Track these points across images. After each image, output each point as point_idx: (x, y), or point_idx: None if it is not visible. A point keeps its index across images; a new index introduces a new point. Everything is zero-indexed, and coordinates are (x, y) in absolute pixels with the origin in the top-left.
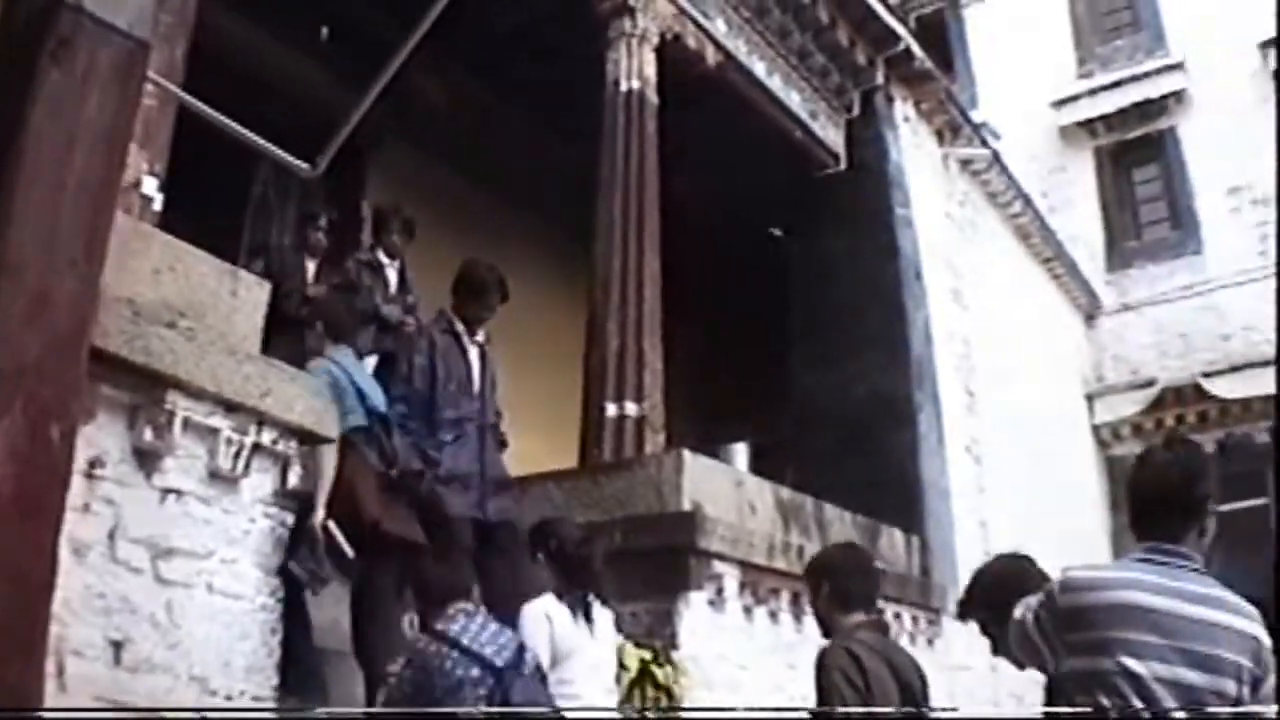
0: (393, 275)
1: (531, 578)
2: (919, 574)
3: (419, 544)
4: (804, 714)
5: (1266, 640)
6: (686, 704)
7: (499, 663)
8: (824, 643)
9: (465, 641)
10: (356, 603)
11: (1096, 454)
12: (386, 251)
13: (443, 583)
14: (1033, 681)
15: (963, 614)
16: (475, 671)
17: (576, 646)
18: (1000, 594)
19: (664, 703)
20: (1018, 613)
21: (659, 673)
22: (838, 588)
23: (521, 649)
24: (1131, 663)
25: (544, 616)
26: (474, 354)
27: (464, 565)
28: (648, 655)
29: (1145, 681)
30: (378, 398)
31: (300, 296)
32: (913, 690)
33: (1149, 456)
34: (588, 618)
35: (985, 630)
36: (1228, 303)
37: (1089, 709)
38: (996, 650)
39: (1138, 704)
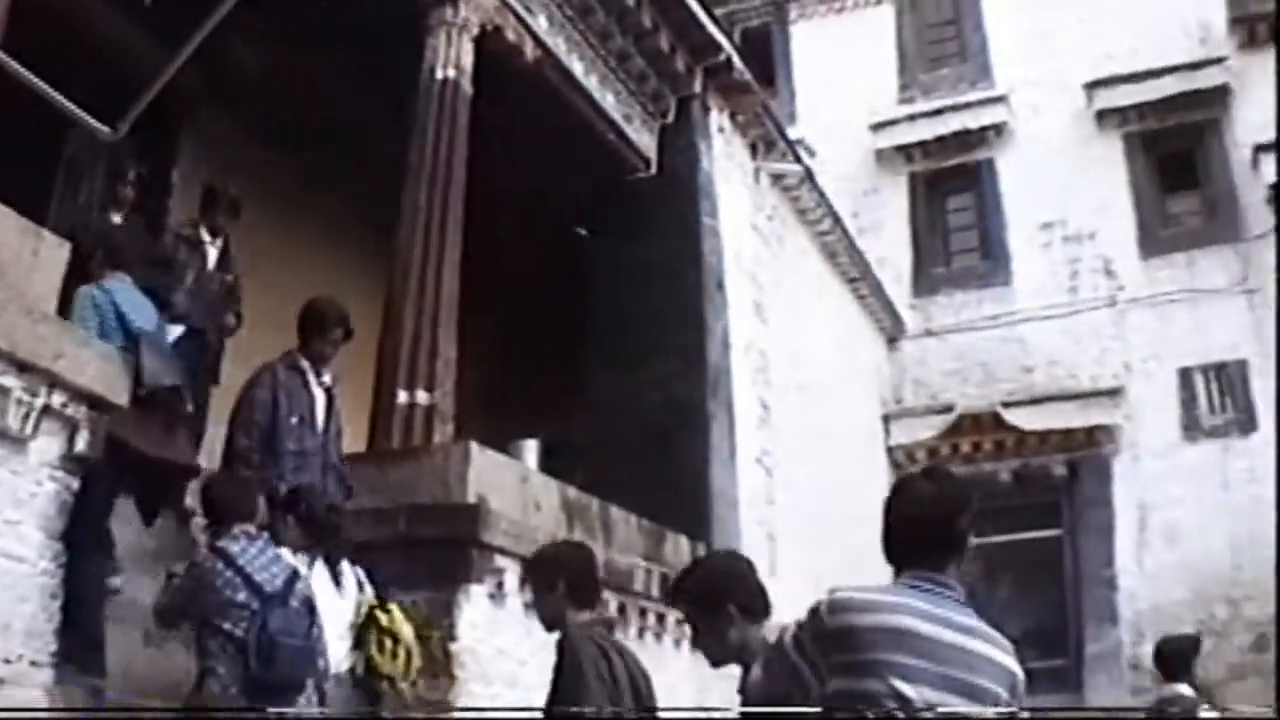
0: (213, 253)
1: (281, 536)
2: None
3: (177, 463)
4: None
5: (1020, 674)
6: (459, 687)
7: (267, 589)
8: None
9: (241, 563)
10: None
11: (890, 475)
12: (210, 229)
13: (229, 502)
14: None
15: (671, 601)
16: (242, 595)
17: (314, 594)
18: (709, 588)
19: (389, 645)
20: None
21: (383, 617)
22: (574, 585)
23: (293, 580)
24: (903, 686)
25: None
26: (320, 395)
27: (252, 487)
28: (375, 603)
29: (915, 705)
30: (143, 319)
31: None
32: (639, 687)
33: (910, 486)
34: (334, 574)
35: (689, 620)
36: (1032, 335)
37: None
38: (696, 643)
39: None
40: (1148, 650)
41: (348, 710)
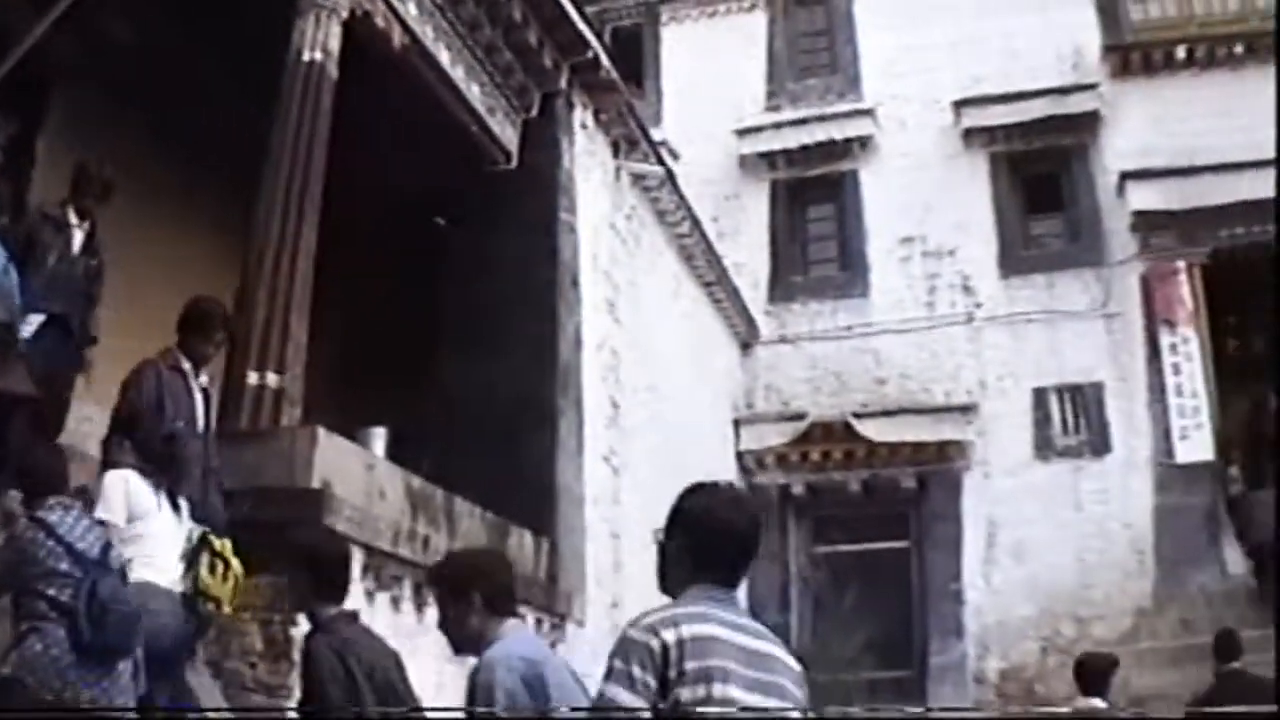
0: (79, 236)
1: (114, 460)
2: (546, 578)
3: (14, 392)
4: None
5: (801, 671)
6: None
7: (89, 557)
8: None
9: (60, 532)
10: None
11: (739, 480)
12: (78, 211)
13: (45, 472)
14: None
15: (428, 583)
16: (65, 565)
17: (151, 509)
18: (461, 575)
19: (220, 568)
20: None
21: (216, 542)
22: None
23: (108, 547)
24: (735, 691)
25: (122, 480)
26: (199, 395)
27: (66, 458)
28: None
29: (751, 707)
30: None
31: None
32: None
33: (714, 499)
34: (172, 500)
35: (439, 604)
36: (887, 348)
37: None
38: (440, 625)
39: None
40: (992, 664)
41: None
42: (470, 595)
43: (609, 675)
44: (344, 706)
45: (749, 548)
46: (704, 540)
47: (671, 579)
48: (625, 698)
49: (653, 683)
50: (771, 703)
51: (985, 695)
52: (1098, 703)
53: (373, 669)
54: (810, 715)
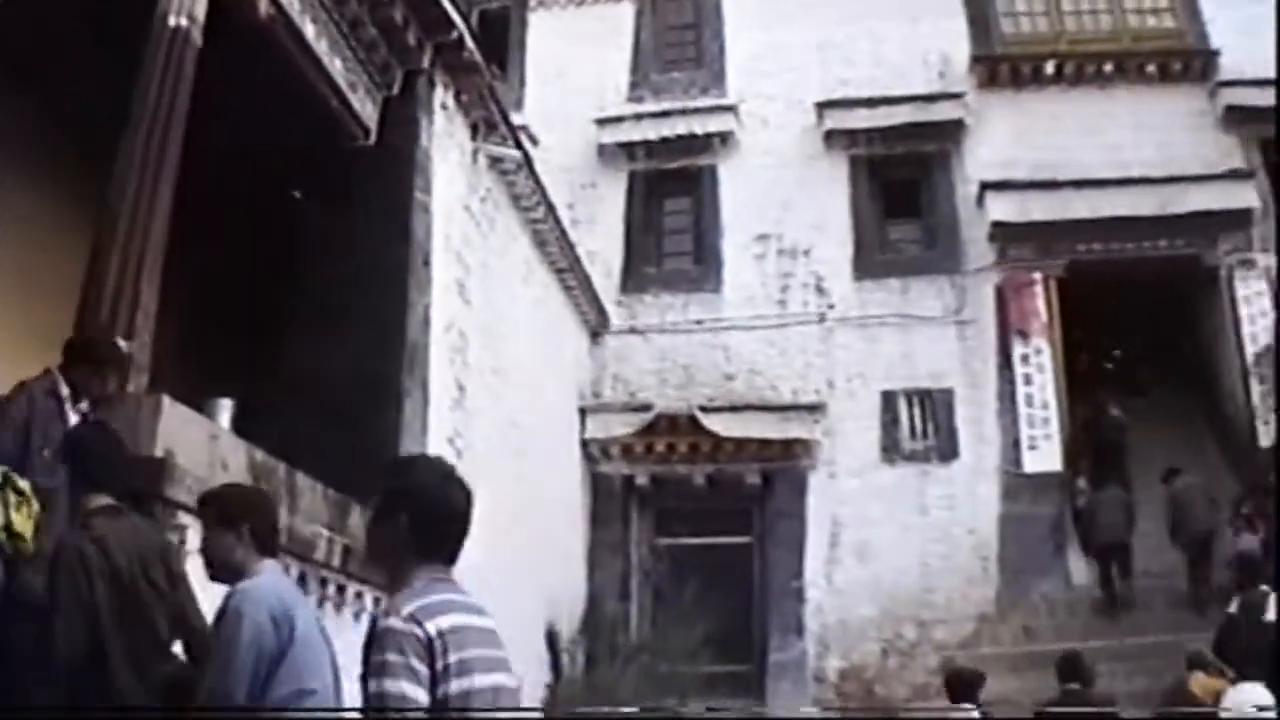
0: None
1: None
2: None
3: None
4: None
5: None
6: None
7: None
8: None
9: None
10: None
11: (584, 468)
12: None
13: None
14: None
15: (197, 509)
16: None
17: None
18: (234, 502)
19: (25, 509)
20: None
21: (20, 482)
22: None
23: None
24: (494, 678)
25: None
26: (74, 421)
27: None
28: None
29: (501, 694)
30: None
31: None
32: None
33: (435, 477)
34: None
35: (205, 528)
36: (736, 344)
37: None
38: (203, 550)
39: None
40: (833, 664)
41: None
42: (240, 527)
43: (386, 669)
44: (72, 610)
45: (468, 527)
46: (429, 521)
47: (391, 561)
48: (413, 692)
49: (427, 675)
50: (501, 679)
51: (825, 694)
52: (973, 711)
53: (120, 570)
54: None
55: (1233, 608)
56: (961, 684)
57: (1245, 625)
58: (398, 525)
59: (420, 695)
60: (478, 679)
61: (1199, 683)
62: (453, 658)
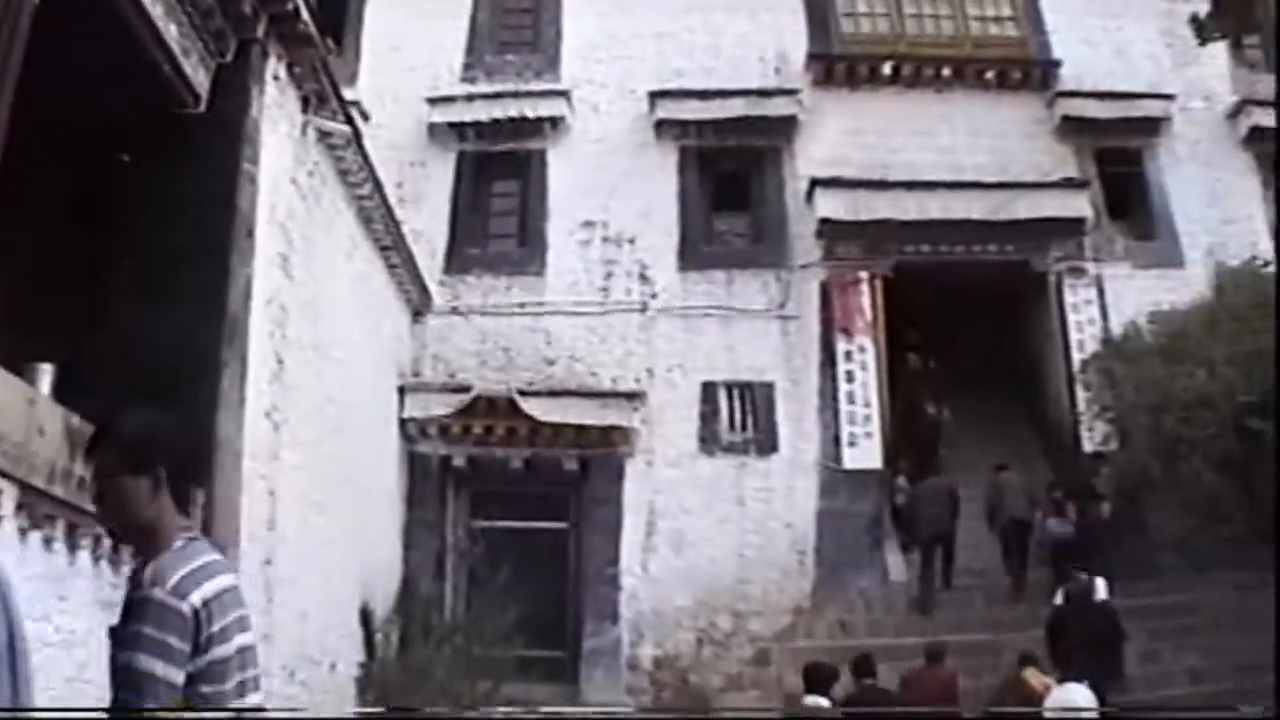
0: None
1: None
2: (200, 530)
3: None
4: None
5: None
6: None
7: None
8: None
9: None
10: None
11: (401, 447)
12: None
13: None
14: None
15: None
16: None
17: None
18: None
19: None
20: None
21: None
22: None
23: None
24: (241, 639)
25: None
26: None
27: None
28: None
29: (248, 654)
30: None
31: None
32: None
33: (166, 422)
34: None
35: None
36: (558, 329)
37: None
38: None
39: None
40: (647, 651)
41: None
42: (156, 471)
43: (141, 643)
44: None
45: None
46: (161, 468)
47: (145, 519)
48: (164, 671)
49: (188, 649)
50: (250, 638)
51: (639, 682)
52: (822, 701)
53: None
54: None
55: (1058, 599)
56: (820, 677)
57: (1073, 612)
58: (155, 479)
59: (174, 675)
60: (236, 640)
61: (1035, 675)
62: (215, 626)
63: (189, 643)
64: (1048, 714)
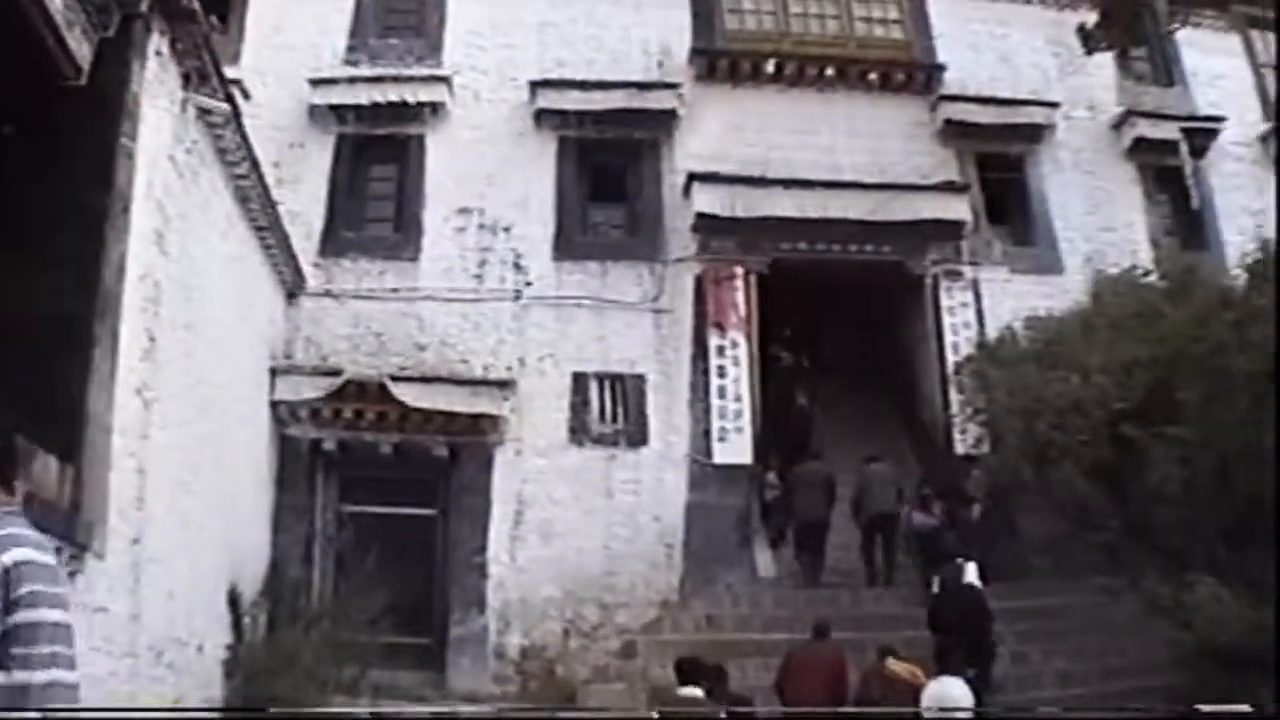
0: None
1: None
2: (69, 507)
3: None
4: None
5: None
6: None
7: None
8: None
9: None
10: None
11: (272, 429)
12: None
13: None
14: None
15: None
16: None
17: None
18: None
19: None
20: None
21: None
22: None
23: None
24: (54, 614)
25: None
26: None
27: None
28: None
29: (59, 631)
30: None
31: None
32: None
33: None
34: None
35: None
36: (431, 315)
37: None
38: None
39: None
40: (514, 641)
41: None
42: None
43: None
44: None
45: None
46: (6, 451)
47: None
48: None
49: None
50: (63, 615)
51: (505, 670)
52: (698, 692)
53: None
54: None
55: (935, 588)
56: (690, 670)
57: (949, 597)
58: None
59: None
60: (45, 612)
61: (896, 664)
62: (22, 590)
63: (3, 600)
64: (925, 711)
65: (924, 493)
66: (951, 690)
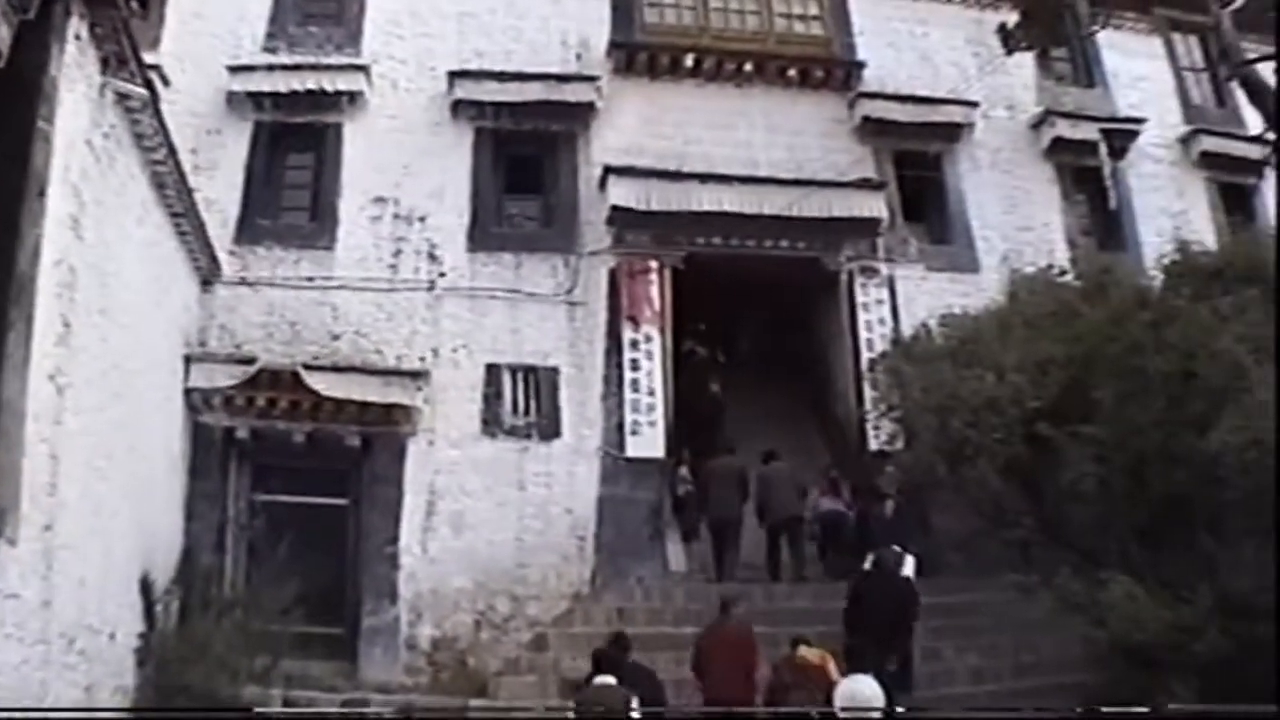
0: None
1: None
2: None
3: None
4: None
5: None
6: None
7: None
8: None
9: None
10: None
11: (186, 417)
12: None
13: None
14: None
15: None
16: None
17: None
18: None
19: None
20: None
21: None
22: None
23: None
24: None
25: None
26: None
27: None
28: None
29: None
30: None
31: None
32: None
33: None
34: None
35: None
36: (345, 304)
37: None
38: None
39: None
40: (425, 632)
41: None
42: None
43: None
44: None
45: None
46: None
47: None
48: None
49: None
50: None
51: (417, 661)
52: (610, 679)
53: None
54: None
55: (867, 564)
56: (603, 662)
57: (882, 580)
58: None
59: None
60: None
61: (808, 650)
62: None
63: None
64: (840, 712)
65: (832, 475)
66: (862, 688)
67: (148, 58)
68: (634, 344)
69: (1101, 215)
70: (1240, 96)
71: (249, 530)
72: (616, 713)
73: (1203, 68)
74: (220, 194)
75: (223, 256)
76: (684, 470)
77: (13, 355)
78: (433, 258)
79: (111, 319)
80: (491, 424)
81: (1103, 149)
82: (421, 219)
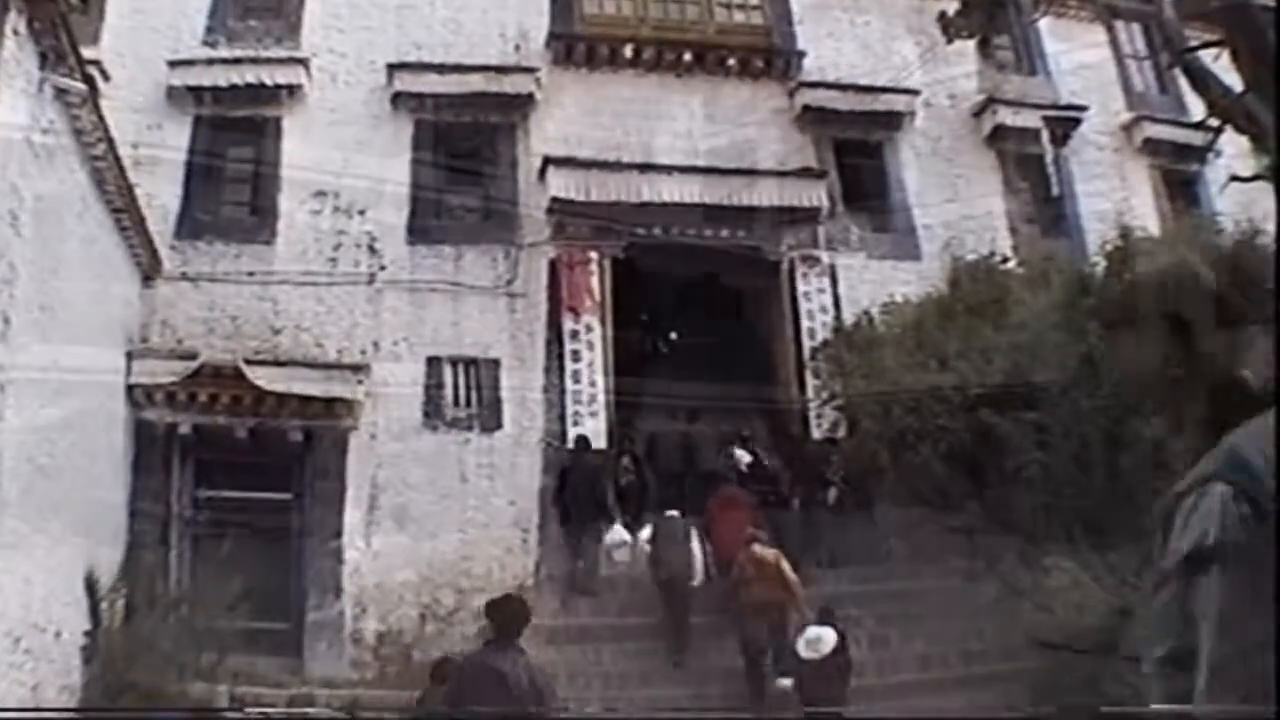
0: None
1: None
2: None
3: None
4: None
5: None
6: None
7: None
8: None
9: None
10: None
11: (128, 413)
12: None
13: None
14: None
15: None
16: None
17: None
18: None
19: None
20: None
21: None
22: None
23: None
24: None
25: None
26: None
27: None
28: None
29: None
30: None
31: None
32: None
33: None
34: None
35: None
36: (286, 298)
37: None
38: None
39: None
40: (370, 626)
41: None
42: None
43: None
44: None
45: None
46: None
47: None
48: None
49: None
50: None
51: (363, 656)
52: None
53: None
54: None
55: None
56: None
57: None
58: None
59: None
60: None
61: (764, 550)
62: None
63: None
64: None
65: (743, 434)
66: (826, 635)
67: (87, 53)
68: (574, 335)
69: (1044, 203)
70: (1183, 83)
71: (193, 526)
72: None
73: (1145, 55)
74: (161, 189)
75: (164, 252)
76: (625, 460)
77: None
78: (373, 251)
79: (52, 315)
80: (433, 416)
81: (1045, 136)
82: (361, 212)
